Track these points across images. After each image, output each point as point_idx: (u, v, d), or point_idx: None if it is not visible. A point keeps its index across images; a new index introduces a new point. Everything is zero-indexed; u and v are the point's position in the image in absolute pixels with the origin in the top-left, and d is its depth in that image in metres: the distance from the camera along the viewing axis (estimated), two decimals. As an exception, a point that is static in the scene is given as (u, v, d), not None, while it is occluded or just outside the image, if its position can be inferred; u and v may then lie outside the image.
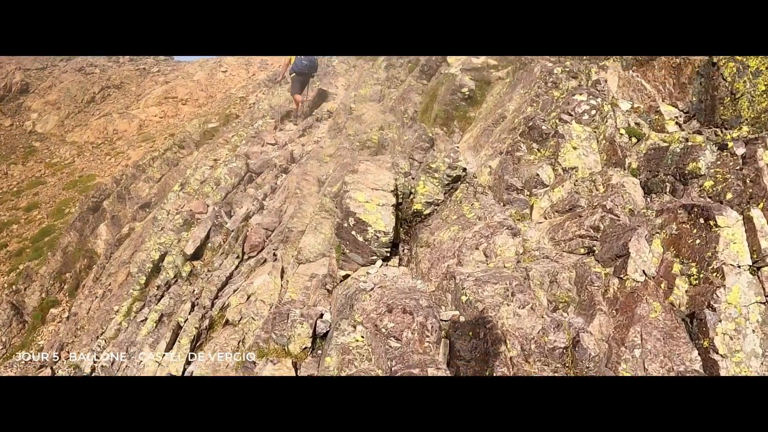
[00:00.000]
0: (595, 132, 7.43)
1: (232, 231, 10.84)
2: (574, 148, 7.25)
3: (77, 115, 36.84)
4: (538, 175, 7.08)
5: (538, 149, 7.62)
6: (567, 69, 8.44)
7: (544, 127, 7.59)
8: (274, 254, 9.38)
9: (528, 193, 7.16)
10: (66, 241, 22.62)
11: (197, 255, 11.10)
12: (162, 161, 21.12)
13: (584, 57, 9.10)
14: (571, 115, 7.54)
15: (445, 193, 7.88)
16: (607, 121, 7.36)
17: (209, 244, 11.13)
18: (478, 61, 11.35)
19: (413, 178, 8.06)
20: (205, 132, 22.09)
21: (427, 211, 7.75)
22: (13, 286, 21.84)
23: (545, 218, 6.80)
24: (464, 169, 7.87)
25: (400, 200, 7.78)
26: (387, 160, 8.61)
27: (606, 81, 8.08)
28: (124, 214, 21.33)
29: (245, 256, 10.08)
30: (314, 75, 17.38)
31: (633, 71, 8.25)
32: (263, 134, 15.88)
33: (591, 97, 7.58)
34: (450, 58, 13.13)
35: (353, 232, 6.98)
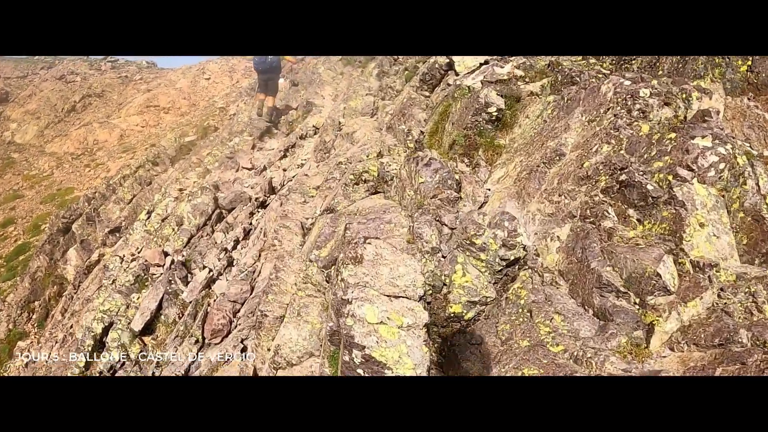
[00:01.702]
0: (723, 197, 4.43)
1: (190, 302, 7.56)
2: (702, 226, 4.19)
3: (57, 125, 33.23)
4: (658, 275, 3.93)
5: (639, 220, 4.49)
6: (656, 90, 5.25)
7: (650, 187, 4.46)
8: (243, 347, 6.25)
9: (638, 300, 4.03)
10: (35, 266, 19.45)
11: (148, 329, 7.86)
12: (133, 180, 17.78)
13: (669, 73, 6.01)
14: (692, 169, 4.39)
15: (495, 283, 4.71)
16: (744, 183, 4.28)
17: (162, 317, 7.86)
18: (503, 71, 8.12)
19: (444, 256, 4.88)
20: (182, 146, 18.78)
21: (469, 315, 4.62)
22: (-21, 316, 18.73)
23: (672, 349, 3.81)
24: (525, 247, 4.70)
25: (429, 298, 4.60)
26: (401, 221, 5.43)
27: (718, 113, 4.94)
28: (94, 238, 18.10)
29: (206, 341, 6.86)
30: (279, 75, 15.13)
31: (749, 99, 5.16)
32: (239, 155, 12.62)
33: (718, 142, 4.43)
34: (458, 66, 9.92)
35: (360, 371, 3.81)
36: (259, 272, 7.65)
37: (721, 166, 4.39)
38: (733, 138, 4.61)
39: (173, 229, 9.90)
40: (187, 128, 21.06)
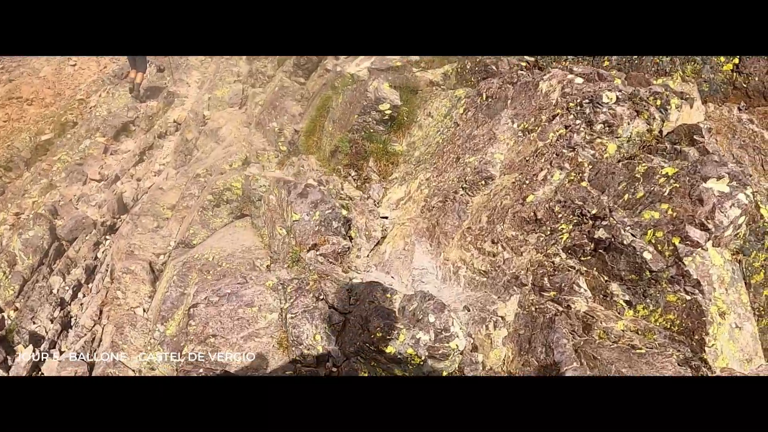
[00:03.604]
0: (739, 262, 2.87)
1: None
2: (723, 316, 2.63)
3: None
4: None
5: (629, 302, 2.74)
6: (621, 93, 3.44)
7: (647, 256, 2.64)
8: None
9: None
10: None
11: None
12: (-19, 191, 14.66)
13: (620, 66, 4.20)
14: (707, 228, 2.57)
15: (418, 409, 2.81)
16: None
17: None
18: (395, 56, 6.14)
19: (336, 367, 2.94)
20: (38, 146, 15.68)
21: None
22: None
23: None
24: (462, 352, 2.83)
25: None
26: (268, 302, 3.46)
27: (710, 130, 3.18)
28: (-58, 262, 14.85)
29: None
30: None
31: (740, 110, 3.47)
32: (89, 162, 10.09)
33: (737, 185, 2.64)
34: (337, 47, 7.86)
35: None
36: (100, 341, 5.45)
37: (741, 219, 2.64)
38: (750, 176, 2.85)
39: (4, 273, 7.40)
40: (45, 124, 17.88)
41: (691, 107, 3.45)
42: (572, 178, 3.28)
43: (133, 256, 6.20)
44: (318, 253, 3.85)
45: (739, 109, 3.47)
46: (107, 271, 6.59)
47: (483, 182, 3.86)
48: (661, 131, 3.36)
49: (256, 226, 5.45)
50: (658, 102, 3.38)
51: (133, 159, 9.71)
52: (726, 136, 3.44)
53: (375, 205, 4.95)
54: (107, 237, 7.68)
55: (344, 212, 4.25)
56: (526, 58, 4.76)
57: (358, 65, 6.44)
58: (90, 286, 6.81)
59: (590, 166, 3.24)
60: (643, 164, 2.99)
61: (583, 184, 3.20)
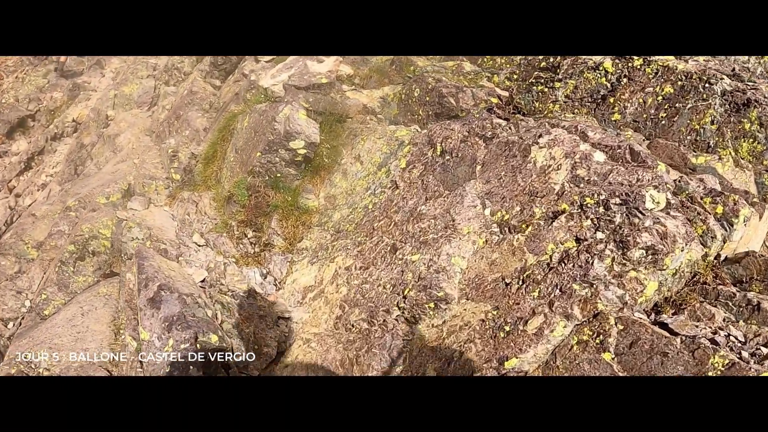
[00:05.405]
0: None
1: None
2: None
3: None
4: None
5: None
6: (667, 185, 1.85)
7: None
8: None
9: None
10: None
11: None
12: None
13: (637, 124, 2.59)
14: None
15: None
16: None
17: None
18: (321, 68, 4.46)
19: None
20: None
21: None
22: None
23: None
24: None
25: None
26: None
27: None
28: None
29: None
30: None
31: None
32: (-30, 167, 8.10)
33: None
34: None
35: None
36: None
37: None
38: None
39: None
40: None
41: (760, 219, 1.95)
42: (586, 339, 1.74)
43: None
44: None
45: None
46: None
47: (432, 305, 2.28)
48: (718, 255, 1.85)
49: (120, 304, 3.77)
50: (719, 209, 1.85)
51: (18, 165, 7.77)
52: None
53: (276, 285, 3.34)
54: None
55: (215, 339, 2.59)
56: (498, 91, 3.17)
57: (274, 77, 4.75)
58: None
59: (620, 327, 1.69)
60: (721, 355, 1.47)
61: (606, 356, 1.66)
